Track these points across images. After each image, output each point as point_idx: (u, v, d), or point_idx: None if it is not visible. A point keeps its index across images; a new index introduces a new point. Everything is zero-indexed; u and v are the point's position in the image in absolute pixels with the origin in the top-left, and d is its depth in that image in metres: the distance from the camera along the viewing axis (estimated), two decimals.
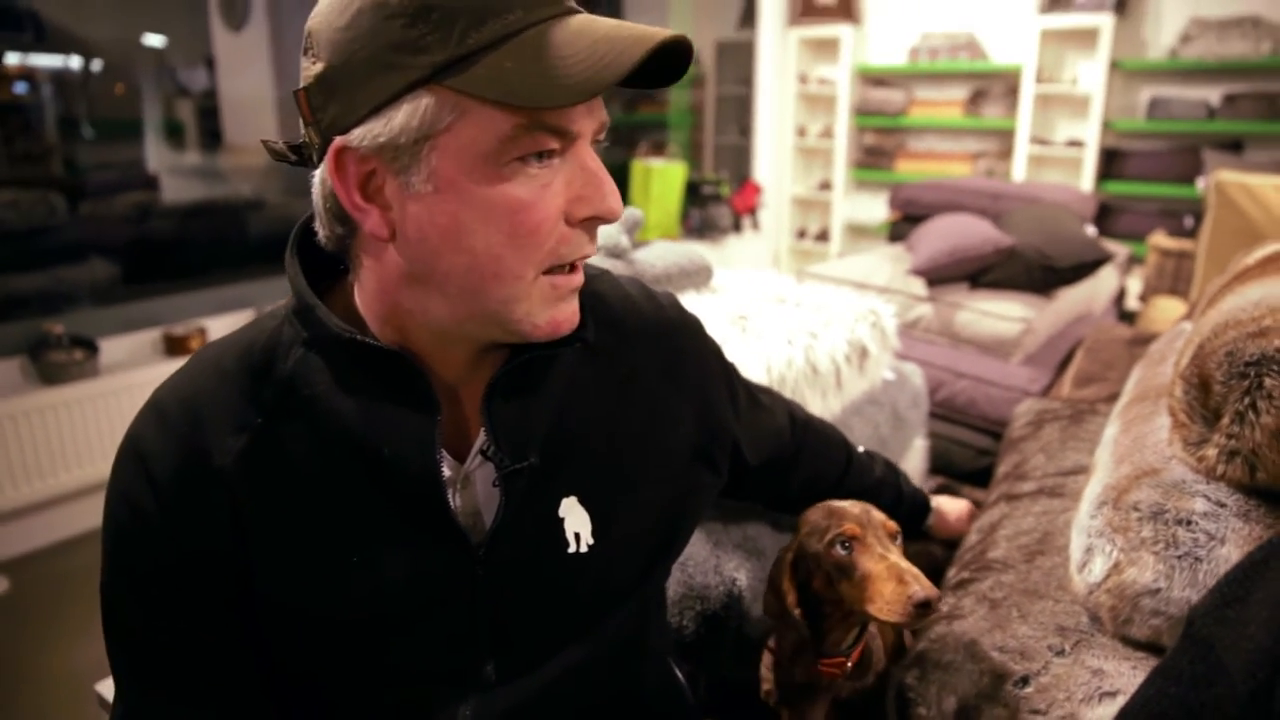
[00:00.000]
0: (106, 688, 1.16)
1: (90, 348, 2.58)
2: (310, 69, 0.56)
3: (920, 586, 0.74)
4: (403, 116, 0.53)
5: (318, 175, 0.59)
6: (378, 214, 0.57)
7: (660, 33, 0.54)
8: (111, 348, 2.71)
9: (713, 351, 0.86)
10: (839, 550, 0.80)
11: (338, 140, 0.55)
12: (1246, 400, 0.78)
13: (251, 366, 0.62)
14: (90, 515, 2.60)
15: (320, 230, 0.62)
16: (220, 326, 2.98)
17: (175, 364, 2.34)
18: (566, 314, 0.62)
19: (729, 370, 0.89)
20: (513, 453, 0.64)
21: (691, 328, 0.83)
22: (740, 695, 1.15)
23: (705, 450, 0.80)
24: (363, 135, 0.54)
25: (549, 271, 0.59)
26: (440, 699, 0.67)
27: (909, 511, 1.18)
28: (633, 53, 0.52)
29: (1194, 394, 0.85)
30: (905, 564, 0.77)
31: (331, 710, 0.67)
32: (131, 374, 2.62)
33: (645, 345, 0.76)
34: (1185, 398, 0.86)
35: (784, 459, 1.00)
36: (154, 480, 0.60)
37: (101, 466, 2.55)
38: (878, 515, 0.84)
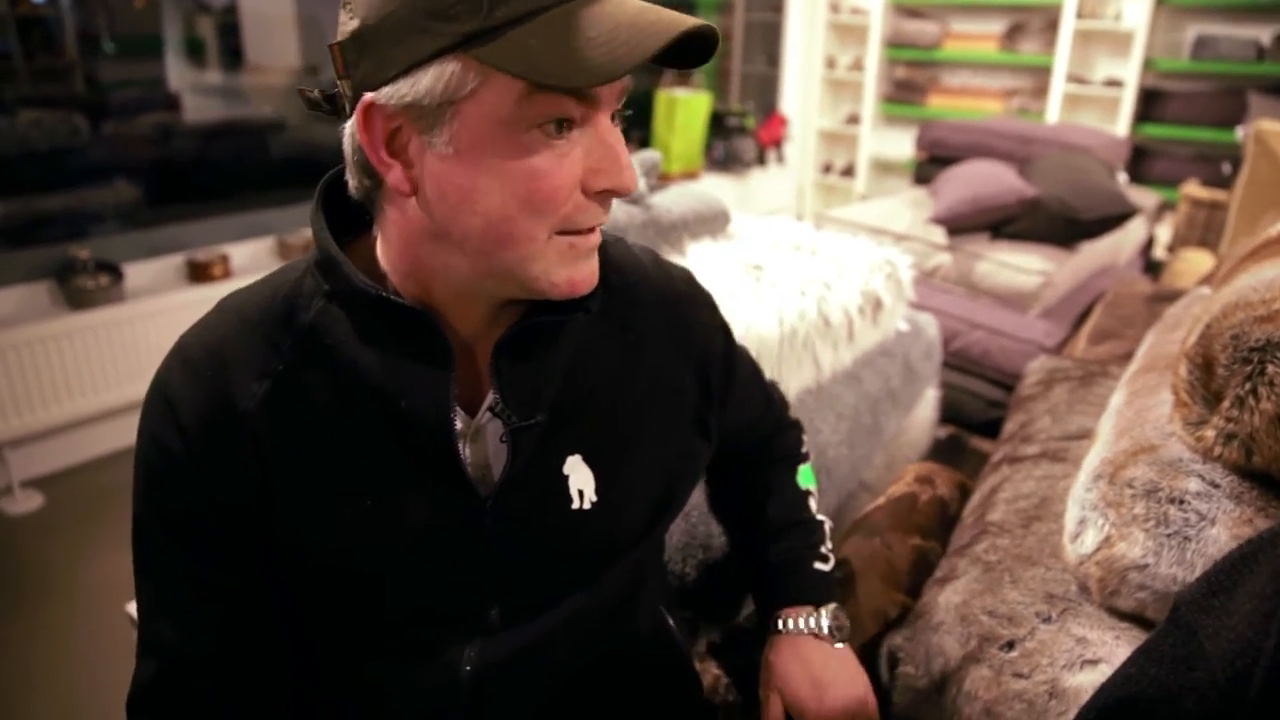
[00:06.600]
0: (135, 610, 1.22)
1: (115, 273, 2.62)
2: (347, 24, 0.57)
3: None
4: (429, 80, 0.54)
5: (348, 127, 0.61)
6: (400, 170, 0.59)
7: (684, 22, 0.54)
8: (136, 273, 2.74)
9: (720, 328, 0.86)
10: None
11: (367, 96, 0.56)
12: (1248, 386, 0.78)
13: (273, 315, 0.65)
14: (117, 435, 2.68)
15: (350, 180, 0.64)
16: (242, 253, 3.01)
17: (198, 290, 2.37)
18: (585, 273, 0.63)
19: (731, 351, 0.87)
20: (520, 410, 0.66)
21: (702, 301, 0.84)
22: (740, 641, 1.19)
23: (702, 418, 0.82)
24: (390, 94, 0.55)
25: (564, 233, 0.61)
26: (447, 641, 0.71)
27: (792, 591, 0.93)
28: (653, 41, 0.53)
29: (1197, 374, 0.85)
30: None
31: (340, 650, 0.72)
32: (156, 300, 2.67)
33: (654, 313, 0.78)
34: (1188, 378, 0.86)
35: (739, 452, 0.97)
36: (181, 424, 0.63)
37: (128, 389, 2.62)
38: None
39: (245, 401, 0.63)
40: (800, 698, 0.85)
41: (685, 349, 0.80)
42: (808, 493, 0.98)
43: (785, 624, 0.90)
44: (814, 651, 0.87)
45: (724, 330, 0.87)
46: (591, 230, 0.63)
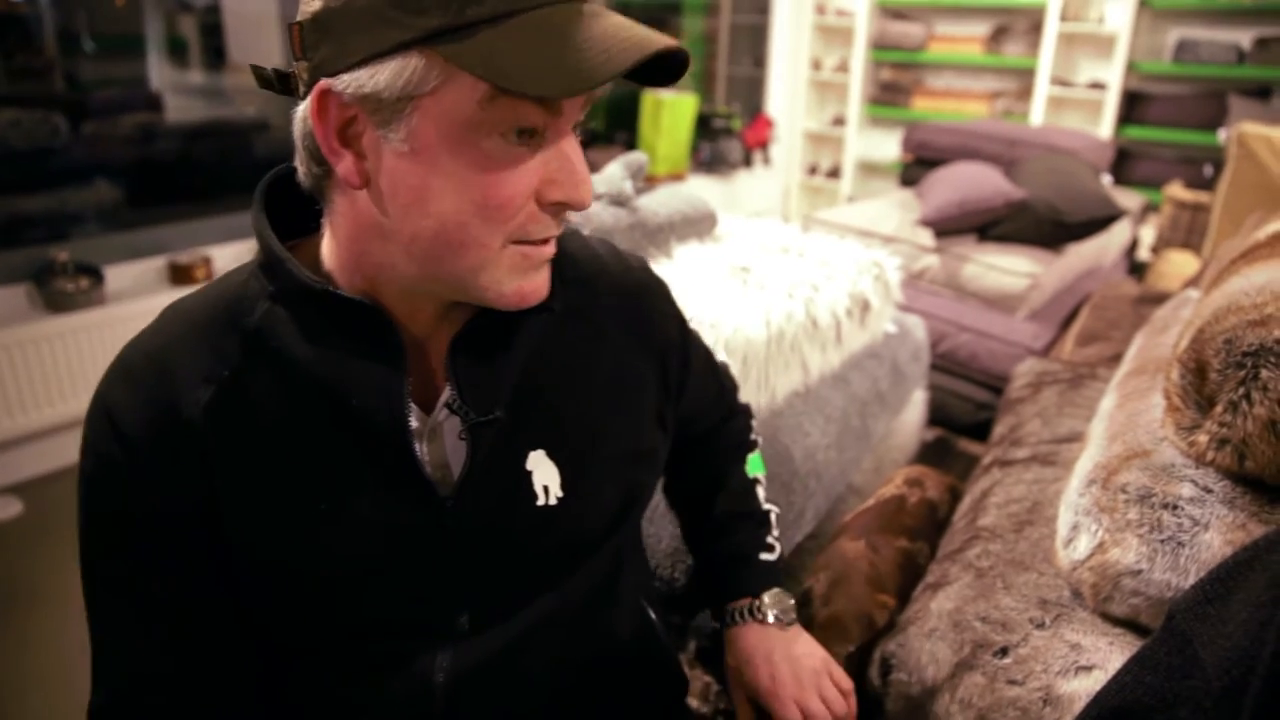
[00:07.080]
0: None
1: (96, 275, 2.58)
2: (309, 4, 0.56)
3: None
4: (389, 73, 0.53)
5: (300, 110, 0.59)
6: (352, 160, 0.57)
7: (656, 41, 0.53)
8: (117, 275, 2.70)
9: (675, 316, 0.85)
10: None
11: (323, 82, 0.55)
12: (1241, 390, 0.78)
13: (218, 319, 0.63)
14: None
15: (298, 167, 0.62)
16: (225, 255, 2.97)
17: (179, 293, 2.32)
18: (535, 284, 0.62)
19: (686, 339, 0.87)
20: (478, 406, 0.65)
21: (658, 291, 0.83)
22: None
23: (660, 410, 0.81)
24: (348, 82, 0.54)
25: (518, 242, 0.59)
26: (416, 650, 0.68)
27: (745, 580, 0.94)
28: (623, 59, 0.52)
29: (1190, 379, 0.85)
30: None
31: (307, 664, 0.69)
32: (137, 302, 2.62)
33: (613, 305, 0.77)
34: (1181, 382, 0.86)
35: (691, 439, 0.96)
36: (122, 435, 0.61)
37: None
38: None
39: (189, 409, 0.61)
40: (755, 682, 0.88)
41: (645, 340, 0.79)
42: (755, 481, 0.99)
43: (732, 617, 0.92)
44: (761, 637, 0.90)
45: (679, 318, 0.86)
46: (546, 242, 0.61)
